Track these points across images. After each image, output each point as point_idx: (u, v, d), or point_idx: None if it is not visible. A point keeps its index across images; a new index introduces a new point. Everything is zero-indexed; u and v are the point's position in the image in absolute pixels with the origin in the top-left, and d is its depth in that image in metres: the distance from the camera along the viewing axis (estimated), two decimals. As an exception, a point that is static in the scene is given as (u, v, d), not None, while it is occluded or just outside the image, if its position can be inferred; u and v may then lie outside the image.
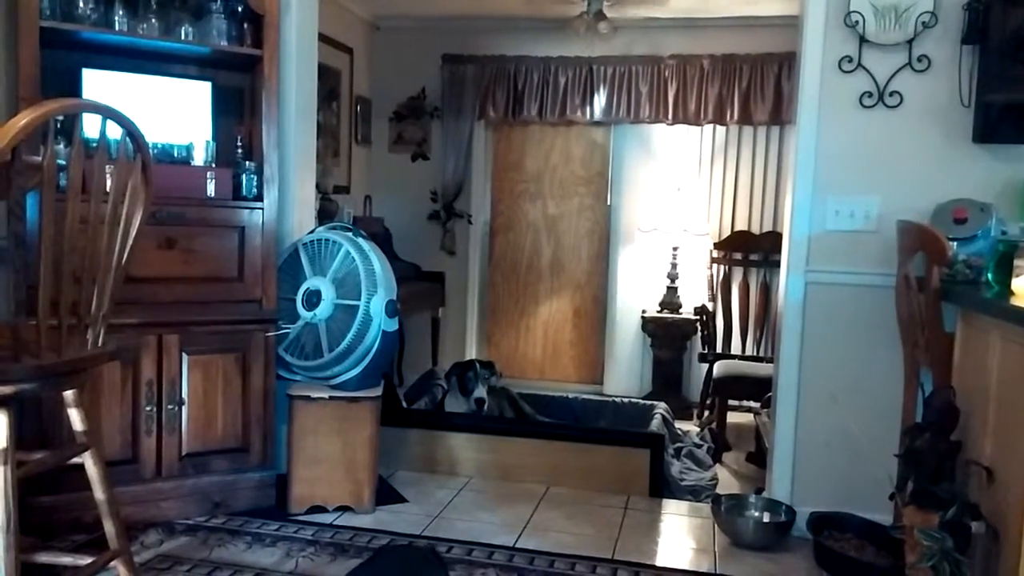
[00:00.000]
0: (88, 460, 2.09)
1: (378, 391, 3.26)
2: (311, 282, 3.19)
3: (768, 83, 5.34)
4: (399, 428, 3.81)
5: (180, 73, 3.24)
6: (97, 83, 3.02)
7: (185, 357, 3.03)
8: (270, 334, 3.16)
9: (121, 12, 2.92)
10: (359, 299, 3.11)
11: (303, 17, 3.42)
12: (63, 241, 1.90)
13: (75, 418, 2.08)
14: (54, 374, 1.94)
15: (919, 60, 2.99)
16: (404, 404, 4.29)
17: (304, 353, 3.21)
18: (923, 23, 2.95)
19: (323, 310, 3.14)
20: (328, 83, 5.20)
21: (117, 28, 2.92)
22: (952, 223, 2.83)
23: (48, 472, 2.24)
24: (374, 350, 3.16)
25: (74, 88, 2.97)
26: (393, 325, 3.20)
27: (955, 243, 2.75)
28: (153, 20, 2.99)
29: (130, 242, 2.10)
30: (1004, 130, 2.88)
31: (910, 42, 2.98)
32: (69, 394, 2.05)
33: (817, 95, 3.08)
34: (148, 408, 2.97)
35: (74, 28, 2.82)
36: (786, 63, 5.17)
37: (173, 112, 3.17)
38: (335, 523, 3.12)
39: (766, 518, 3.21)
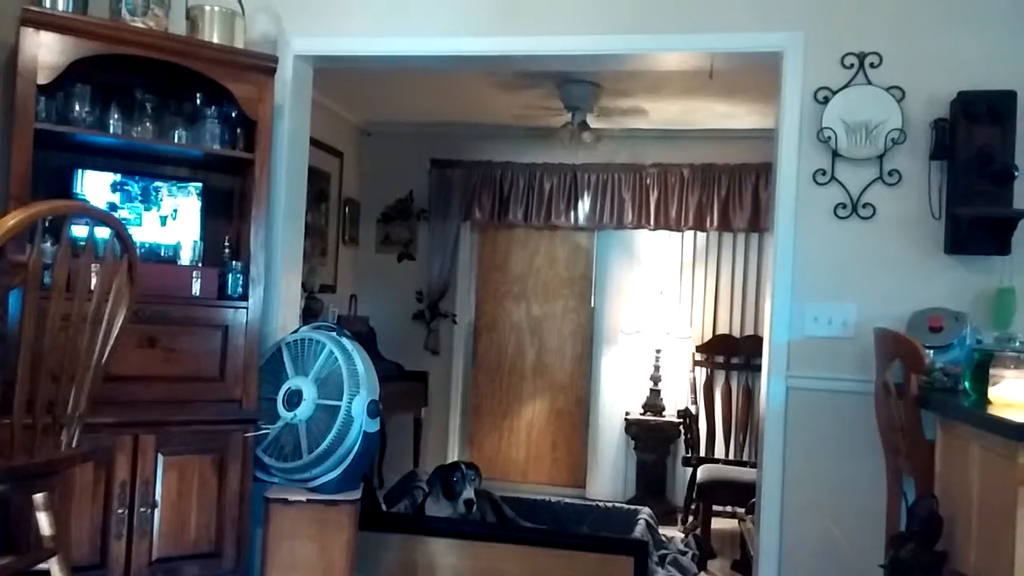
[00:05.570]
0: (55, 566, 2.03)
1: (357, 494, 3.19)
2: (293, 382, 3.17)
3: (746, 191, 5.49)
4: (378, 532, 3.71)
5: (171, 174, 3.30)
6: (90, 182, 3.07)
7: (160, 458, 2.97)
8: (249, 435, 3.12)
9: (116, 116, 2.98)
10: (341, 399, 3.09)
11: (295, 123, 3.52)
12: (44, 339, 1.89)
13: (43, 522, 2.02)
14: (25, 476, 1.90)
15: (890, 174, 3.08)
16: (384, 507, 4.20)
17: (283, 454, 3.16)
18: (892, 140, 3.06)
19: (304, 410, 3.11)
20: (318, 185, 5.30)
21: (111, 131, 2.98)
22: (928, 331, 2.87)
23: (12, 577, 2.16)
24: (354, 451, 3.11)
25: (67, 186, 3.02)
26: (374, 426, 3.16)
27: (932, 351, 2.78)
28: (148, 124, 3.05)
29: (112, 341, 2.10)
30: (973, 242, 2.94)
31: (881, 157, 3.08)
32: (39, 497, 2.00)
33: (793, 205, 3.16)
34: (120, 511, 2.89)
35: (69, 131, 2.89)
36: (763, 173, 5.32)
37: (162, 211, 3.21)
38: (307, 634, 3.01)
39: (752, 631, 3.12)
